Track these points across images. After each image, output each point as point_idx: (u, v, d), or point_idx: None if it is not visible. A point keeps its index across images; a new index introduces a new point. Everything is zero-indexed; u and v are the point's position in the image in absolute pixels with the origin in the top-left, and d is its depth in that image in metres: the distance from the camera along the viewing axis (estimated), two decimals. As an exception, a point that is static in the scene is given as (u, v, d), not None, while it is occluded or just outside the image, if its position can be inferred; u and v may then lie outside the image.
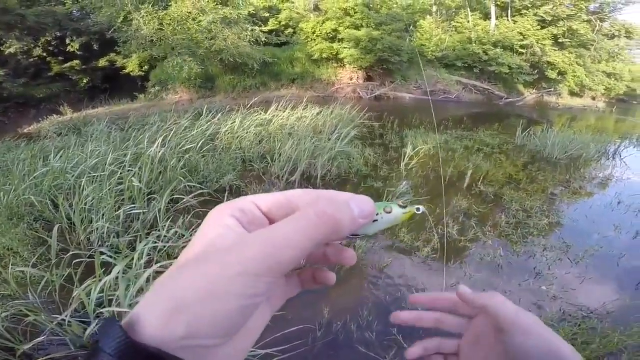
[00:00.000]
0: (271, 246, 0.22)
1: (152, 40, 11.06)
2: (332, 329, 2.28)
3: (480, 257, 3.21)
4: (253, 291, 0.21)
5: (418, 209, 0.32)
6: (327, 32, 15.62)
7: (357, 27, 15.29)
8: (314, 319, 2.31)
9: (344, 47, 15.29)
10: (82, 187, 3.24)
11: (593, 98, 23.86)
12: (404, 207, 0.30)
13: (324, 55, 15.43)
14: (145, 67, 12.99)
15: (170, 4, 11.16)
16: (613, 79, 23.63)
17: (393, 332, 2.25)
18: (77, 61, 12.71)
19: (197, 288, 0.21)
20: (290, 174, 4.83)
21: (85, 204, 3.10)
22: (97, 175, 3.46)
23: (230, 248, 0.22)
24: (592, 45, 20.36)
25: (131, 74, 13.05)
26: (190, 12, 11.03)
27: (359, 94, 15.39)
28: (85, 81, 13.27)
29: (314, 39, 15.89)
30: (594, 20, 20.16)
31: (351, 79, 16.09)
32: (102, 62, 13.41)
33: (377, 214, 0.28)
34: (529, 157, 6.78)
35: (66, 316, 1.88)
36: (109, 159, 3.78)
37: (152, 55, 11.78)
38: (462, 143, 7.46)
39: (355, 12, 15.28)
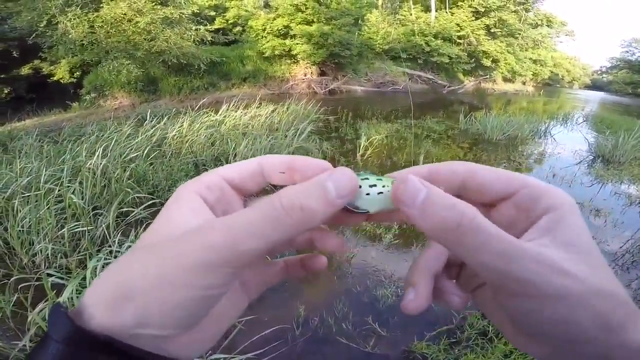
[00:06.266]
0: (232, 236, 0.20)
1: (83, 44, 10.13)
2: (309, 325, 2.27)
3: (438, 238, 3.37)
4: (208, 282, 0.20)
5: None
6: (279, 28, 15.44)
7: (308, 23, 15.32)
8: (290, 318, 2.29)
9: (297, 43, 15.23)
10: (15, 209, 2.91)
11: (523, 83, 26.25)
12: None
13: (277, 52, 15.25)
14: (77, 73, 11.86)
15: (102, 6, 10.29)
16: (539, 65, 26.16)
17: (369, 321, 2.30)
18: (-6, 70, 11.38)
19: (147, 276, 0.20)
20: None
21: (22, 226, 2.80)
22: (32, 195, 3.12)
23: (188, 235, 0.21)
24: (520, 34, 22.29)
25: (61, 81, 11.85)
26: (125, 14, 10.26)
27: (313, 89, 15.46)
28: (6, 91, 11.94)
29: (265, 37, 15.65)
30: (520, 10, 22.06)
31: (305, 75, 16.08)
32: (26, 70, 12.11)
33: (383, 187, 0.24)
34: (473, 140, 7.28)
35: (27, 342, 1.79)
36: (43, 175, 3.41)
37: (84, 60, 10.81)
38: (412, 131, 7.80)
39: (306, 8, 15.27)
